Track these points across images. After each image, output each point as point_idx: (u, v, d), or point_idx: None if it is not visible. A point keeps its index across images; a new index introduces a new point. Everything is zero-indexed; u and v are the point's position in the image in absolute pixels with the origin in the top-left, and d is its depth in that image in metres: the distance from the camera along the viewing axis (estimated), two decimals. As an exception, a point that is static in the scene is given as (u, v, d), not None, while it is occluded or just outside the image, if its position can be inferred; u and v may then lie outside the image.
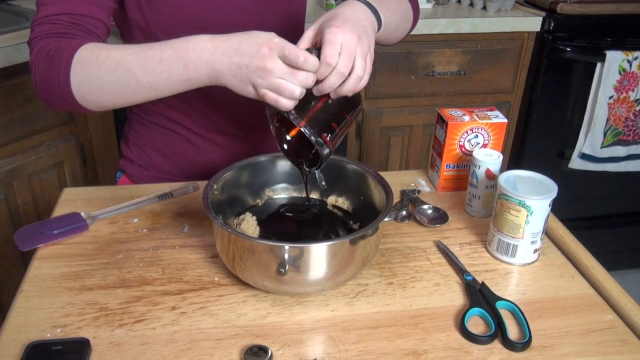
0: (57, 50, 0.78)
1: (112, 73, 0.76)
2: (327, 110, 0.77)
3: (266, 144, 1.06)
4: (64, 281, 0.77)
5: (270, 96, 0.72)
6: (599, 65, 1.80)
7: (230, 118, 1.04)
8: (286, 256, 0.69)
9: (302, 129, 0.74)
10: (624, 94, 1.84)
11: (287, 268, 0.70)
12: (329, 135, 0.75)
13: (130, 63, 0.75)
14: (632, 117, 1.89)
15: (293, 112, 0.74)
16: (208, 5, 0.92)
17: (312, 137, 0.74)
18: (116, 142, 1.72)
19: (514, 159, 2.00)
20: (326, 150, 0.76)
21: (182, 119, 1.03)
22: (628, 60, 1.78)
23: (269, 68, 0.70)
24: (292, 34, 1.00)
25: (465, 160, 0.99)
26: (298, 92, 0.71)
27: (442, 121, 0.98)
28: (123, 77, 0.76)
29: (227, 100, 1.00)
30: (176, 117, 1.03)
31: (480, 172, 0.91)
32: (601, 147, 1.92)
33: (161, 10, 0.91)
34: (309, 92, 0.75)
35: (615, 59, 1.78)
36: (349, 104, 0.79)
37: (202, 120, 1.03)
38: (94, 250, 0.84)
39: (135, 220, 0.91)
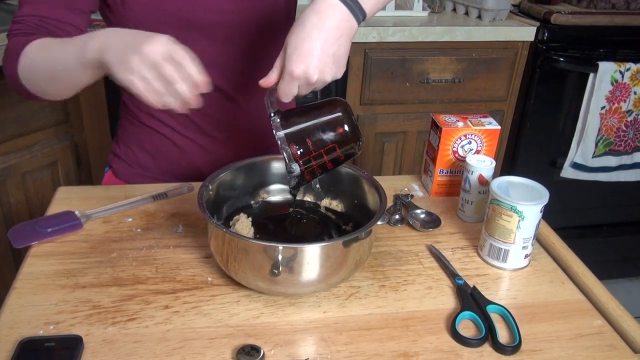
0: (19, 44, 0.83)
1: (43, 62, 0.80)
2: (308, 128, 0.76)
3: (249, 149, 1.05)
4: (57, 279, 0.78)
5: (137, 85, 0.66)
6: (591, 75, 1.82)
7: (212, 121, 1.04)
8: (280, 257, 0.70)
9: (275, 132, 0.75)
10: (616, 105, 1.86)
11: (280, 269, 0.71)
12: (300, 150, 0.76)
13: (54, 51, 0.79)
14: (624, 128, 1.91)
15: (277, 119, 0.76)
16: (184, 3, 0.91)
17: (280, 141, 0.75)
18: (110, 144, 1.72)
19: (507, 167, 2.02)
20: (294, 166, 0.76)
21: (167, 120, 1.03)
22: (620, 72, 1.81)
23: (146, 51, 0.65)
24: (273, 37, 1.00)
25: (458, 166, 1.00)
26: (163, 98, 0.67)
27: (436, 127, 0.99)
28: (48, 63, 0.79)
29: (211, 104, 1.01)
30: (162, 117, 1.03)
31: (473, 177, 0.92)
32: (593, 157, 1.93)
33: (133, 8, 0.91)
34: (300, 110, 0.77)
35: (607, 69, 1.80)
36: (336, 131, 0.76)
37: (185, 121, 1.03)
38: (87, 248, 0.84)
39: (130, 219, 0.91)
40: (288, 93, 0.74)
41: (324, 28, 0.72)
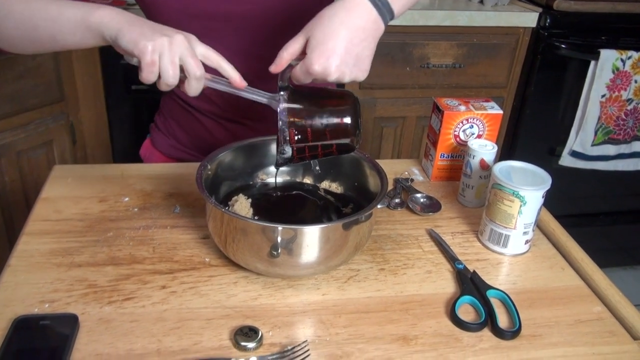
0: None
1: (22, 12, 0.73)
2: (312, 116, 0.74)
3: (271, 134, 1.06)
4: (53, 257, 0.76)
5: (147, 53, 0.66)
6: (592, 63, 1.80)
7: (234, 106, 1.05)
8: (279, 238, 0.69)
9: (279, 108, 0.73)
10: (616, 93, 1.85)
11: (279, 250, 0.70)
12: (298, 136, 0.73)
13: (41, 3, 0.73)
14: (623, 117, 1.90)
15: (285, 96, 0.73)
16: None
17: (281, 121, 0.72)
18: (107, 123, 1.70)
19: (506, 154, 2.01)
20: (287, 148, 0.74)
21: (194, 101, 1.05)
22: (622, 59, 1.79)
23: (178, 40, 0.68)
24: (291, 26, 0.97)
25: (460, 150, 0.99)
26: (172, 80, 0.69)
27: (437, 110, 0.98)
28: (29, 14, 0.73)
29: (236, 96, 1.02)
30: (189, 99, 1.05)
31: (475, 162, 0.91)
32: (591, 145, 1.93)
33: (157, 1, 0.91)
34: (310, 93, 0.75)
35: (609, 57, 1.78)
36: (339, 129, 0.74)
37: (211, 104, 1.05)
38: (83, 227, 0.83)
39: (126, 199, 0.90)
40: (301, 81, 0.73)
41: (351, 27, 0.69)
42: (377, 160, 0.85)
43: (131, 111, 1.70)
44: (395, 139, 1.92)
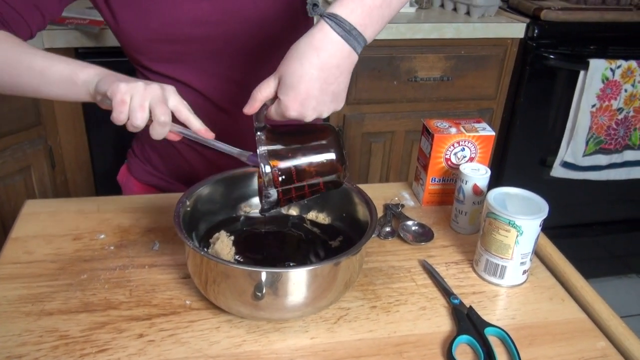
0: None
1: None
2: (295, 155, 0.70)
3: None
4: (22, 305, 0.71)
5: (119, 92, 0.67)
6: (582, 73, 1.78)
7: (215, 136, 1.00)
8: (263, 281, 0.65)
9: (258, 149, 0.69)
10: (607, 103, 1.83)
11: (264, 292, 0.65)
12: (282, 177, 0.69)
13: (23, 53, 0.76)
14: (614, 126, 1.88)
15: (263, 137, 0.70)
16: (165, 19, 0.87)
17: (262, 163, 0.69)
18: (87, 145, 1.65)
19: (496, 167, 1.98)
20: (272, 191, 0.70)
21: None
22: (611, 69, 1.77)
23: (153, 87, 0.69)
24: (265, 50, 0.94)
25: (451, 174, 0.95)
26: (140, 122, 0.69)
27: (427, 133, 0.94)
28: (8, 61, 0.75)
29: (207, 115, 0.97)
30: None
31: (467, 187, 0.88)
32: (583, 156, 1.90)
33: (122, 27, 0.88)
34: (289, 130, 0.72)
35: (598, 67, 1.76)
36: (325, 165, 0.70)
37: None
38: (56, 269, 0.78)
39: (102, 236, 0.85)
40: (277, 121, 0.71)
41: (324, 67, 0.66)
42: (366, 185, 0.81)
43: (112, 133, 1.64)
44: (384, 155, 1.89)
